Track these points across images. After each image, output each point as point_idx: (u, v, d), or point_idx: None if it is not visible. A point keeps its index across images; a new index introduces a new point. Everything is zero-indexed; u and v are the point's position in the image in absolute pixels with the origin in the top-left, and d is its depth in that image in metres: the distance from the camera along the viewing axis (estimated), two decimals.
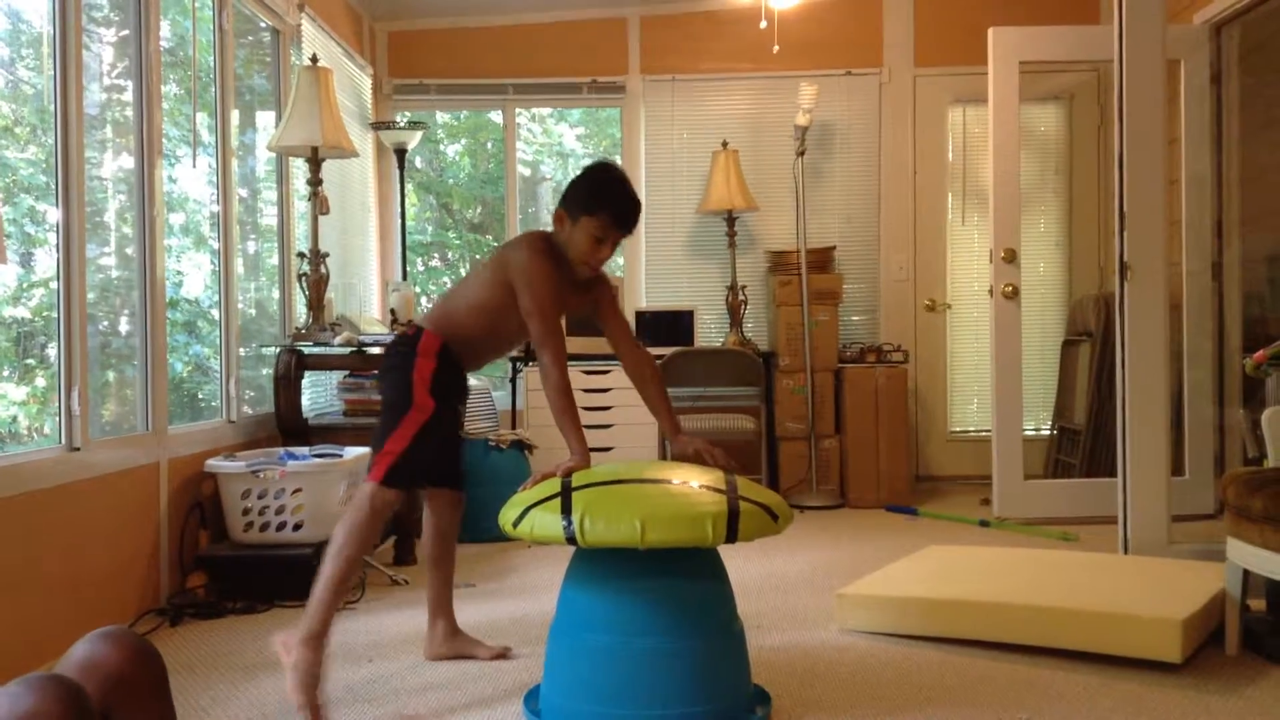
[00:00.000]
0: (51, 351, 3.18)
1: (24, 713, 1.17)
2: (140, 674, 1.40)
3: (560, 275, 2.69)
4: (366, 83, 6.05)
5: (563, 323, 2.74)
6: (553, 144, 7.40)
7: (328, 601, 2.54)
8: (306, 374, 4.42)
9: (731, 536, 2.27)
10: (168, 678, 1.46)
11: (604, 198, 2.66)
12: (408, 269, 6.13)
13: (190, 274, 4.27)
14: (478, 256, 7.48)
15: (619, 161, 6.40)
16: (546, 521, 2.30)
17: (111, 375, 3.57)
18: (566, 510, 2.28)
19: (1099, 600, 2.95)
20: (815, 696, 2.64)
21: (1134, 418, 3.80)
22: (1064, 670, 2.80)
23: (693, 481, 2.39)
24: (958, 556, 3.68)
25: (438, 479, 2.93)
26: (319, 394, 5.04)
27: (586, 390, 5.32)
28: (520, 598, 3.69)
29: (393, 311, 4.92)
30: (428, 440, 2.67)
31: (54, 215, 3.11)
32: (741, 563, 3.97)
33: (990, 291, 5.14)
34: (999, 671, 2.81)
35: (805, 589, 3.74)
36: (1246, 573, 2.88)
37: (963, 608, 3.05)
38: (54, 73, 3.09)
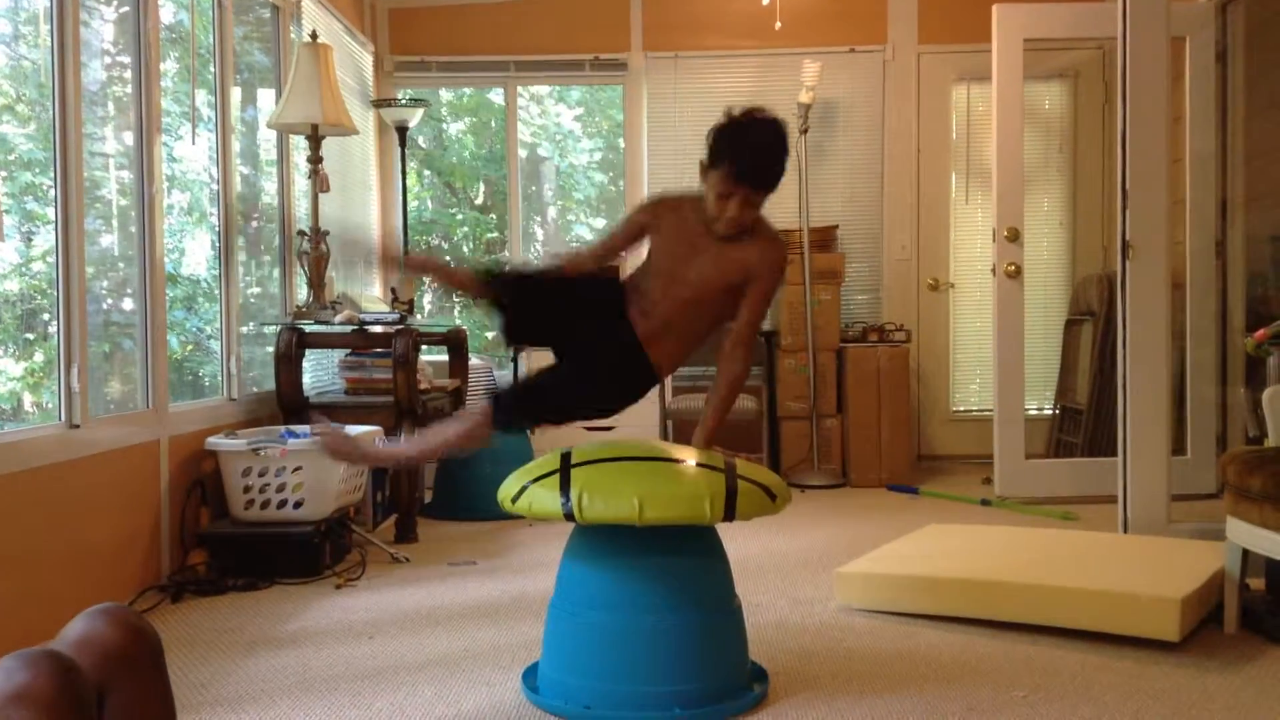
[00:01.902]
0: (52, 328, 3.18)
1: (16, 688, 1.17)
2: (137, 651, 1.40)
3: (686, 219, 2.48)
4: (367, 60, 6.02)
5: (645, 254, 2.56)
6: (550, 126, 7.38)
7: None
8: (307, 352, 4.42)
9: (729, 515, 2.28)
10: (164, 655, 1.46)
11: (728, 145, 2.40)
12: (409, 247, 6.11)
13: (191, 252, 4.27)
14: (490, 235, 7.46)
15: (621, 143, 6.39)
16: (545, 498, 2.31)
17: (111, 351, 3.57)
18: (565, 487, 2.29)
19: (1098, 579, 2.96)
20: (813, 673, 2.64)
21: (1135, 397, 3.80)
22: (1062, 649, 2.81)
23: (691, 460, 2.39)
24: (958, 535, 3.68)
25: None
26: (320, 372, 5.04)
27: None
28: (521, 575, 3.70)
29: (393, 290, 4.91)
30: None
31: (53, 192, 3.11)
32: (741, 541, 3.98)
33: (993, 270, 5.13)
34: (998, 649, 2.82)
35: (805, 567, 3.74)
36: (1246, 552, 2.89)
37: (962, 586, 3.06)
38: (52, 48, 3.08)
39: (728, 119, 2.44)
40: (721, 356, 2.55)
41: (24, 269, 3.27)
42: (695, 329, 2.52)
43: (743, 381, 2.57)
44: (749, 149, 2.39)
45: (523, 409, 2.54)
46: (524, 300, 2.54)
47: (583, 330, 2.51)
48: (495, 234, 7.43)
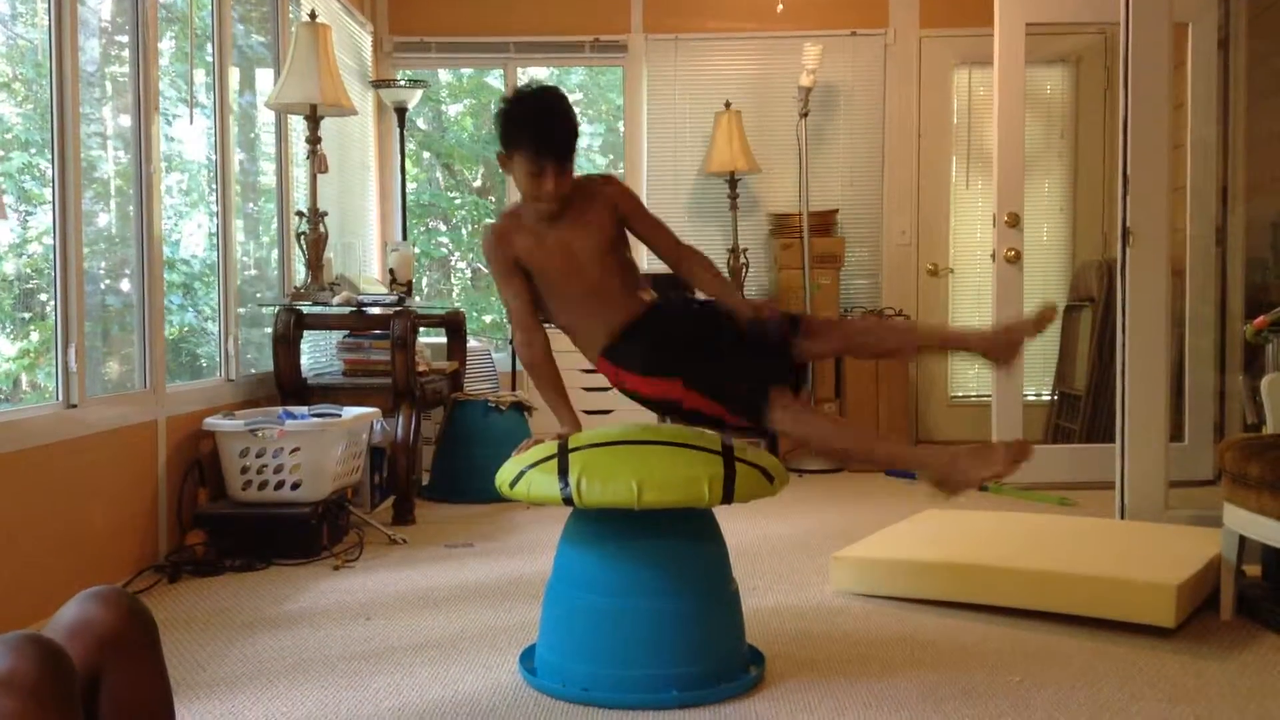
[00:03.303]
0: (49, 309, 3.17)
1: (0, 672, 1.16)
2: (131, 634, 1.39)
3: (527, 230, 2.51)
4: (366, 40, 6.00)
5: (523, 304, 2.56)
6: None
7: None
8: (305, 334, 4.41)
9: (728, 498, 2.28)
10: (159, 637, 1.46)
11: (515, 127, 2.44)
12: (408, 229, 6.10)
13: (188, 234, 4.26)
14: (488, 220, 7.45)
15: (621, 126, 6.36)
16: (543, 482, 2.31)
17: (108, 331, 3.57)
18: (564, 471, 2.29)
19: (1094, 565, 2.96)
20: (809, 657, 2.65)
21: (1133, 383, 3.80)
22: (1058, 634, 2.82)
23: (689, 444, 2.39)
24: (954, 520, 3.68)
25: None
26: (318, 354, 5.04)
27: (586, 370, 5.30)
28: (518, 558, 3.70)
29: (392, 272, 4.90)
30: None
31: (50, 172, 3.09)
32: (738, 525, 3.98)
33: (993, 256, 5.12)
34: (993, 635, 2.82)
35: (801, 552, 3.75)
36: (1242, 538, 2.89)
37: (959, 571, 3.06)
38: (49, 27, 3.06)
39: (506, 103, 2.49)
40: (676, 259, 2.62)
41: (20, 249, 3.26)
42: (621, 282, 2.56)
43: (711, 262, 2.65)
44: (534, 121, 2.43)
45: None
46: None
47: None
48: (493, 219, 7.41)
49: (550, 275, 2.53)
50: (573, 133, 2.45)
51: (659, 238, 2.62)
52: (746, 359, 2.45)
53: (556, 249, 2.51)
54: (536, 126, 2.42)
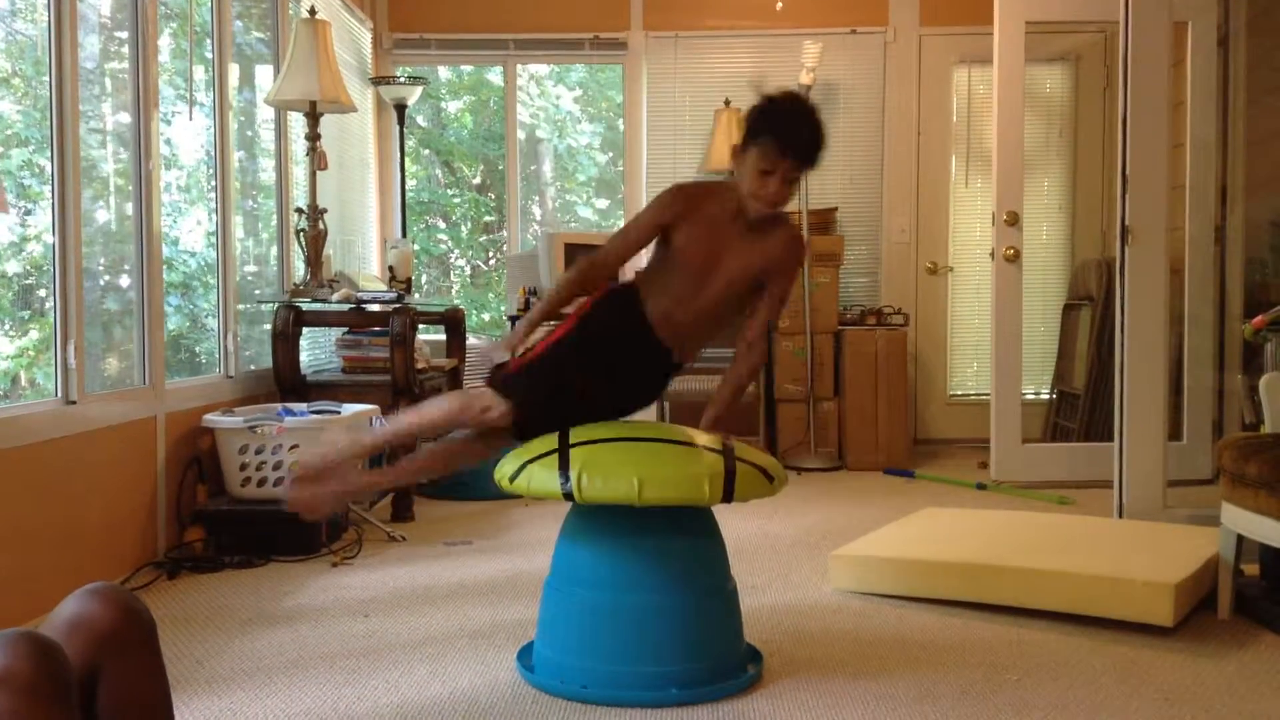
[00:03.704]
0: (48, 306, 3.17)
1: None
2: (129, 631, 1.39)
3: (713, 212, 2.44)
4: (366, 37, 5.99)
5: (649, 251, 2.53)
6: (550, 108, 7.35)
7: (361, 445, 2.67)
8: (305, 330, 4.41)
9: (728, 497, 2.28)
10: (157, 633, 1.46)
11: (769, 121, 2.38)
12: (407, 227, 6.10)
13: (188, 231, 4.25)
14: (488, 218, 7.44)
15: (621, 123, 6.36)
16: (544, 477, 2.31)
17: (108, 327, 3.56)
18: (564, 467, 2.29)
19: (1092, 564, 2.96)
20: (807, 655, 2.65)
21: (1132, 382, 3.80)
22: (1056, 633, 2.82)
23: (690, 442, 2.39)
24: (953, 519, 3.69)
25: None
26: (317, 351, 5.04)
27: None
28: (517, 554, 3.70)
29: (391, 269, 4.90)
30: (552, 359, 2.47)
31: (50, 168, 3.09)
32: (738, 523, 3.98)
33: (992, 254, 5.12)
34: (991, 633, 2.83)
35: (800, 550, 3.75)
36: (1240, 537, 2.89)
37: (957, 570, 3.06)
38: (49, 23, 3.06)
39: (767, 99, 2.42)
40: (743, 344, 2.56)
41: (20, 247, 3.26)
42: (719, 322, 2.53)
43: (759, 371, 2.59)
44: (793, 121, 2.37)
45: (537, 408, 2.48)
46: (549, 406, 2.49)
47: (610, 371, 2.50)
48: (492, 216, 7.42)
49: (684, 258, 2.45)
50: (820, 144, 2.39)
51: (768, 311, 2.53)
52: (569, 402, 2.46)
53: (711, 246, 2.44)
54: (792, 123, 2.37)
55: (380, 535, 3.93)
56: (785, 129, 2.36)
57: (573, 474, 2.27)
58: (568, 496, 2.28)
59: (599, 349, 2.49)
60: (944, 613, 3.00)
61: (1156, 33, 3.80)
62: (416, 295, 5.36)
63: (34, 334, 3.28)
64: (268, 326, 4.37)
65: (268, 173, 4.77)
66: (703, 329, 2.52)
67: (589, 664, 2.36)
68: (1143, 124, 3.80)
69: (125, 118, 3.58)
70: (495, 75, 6.72)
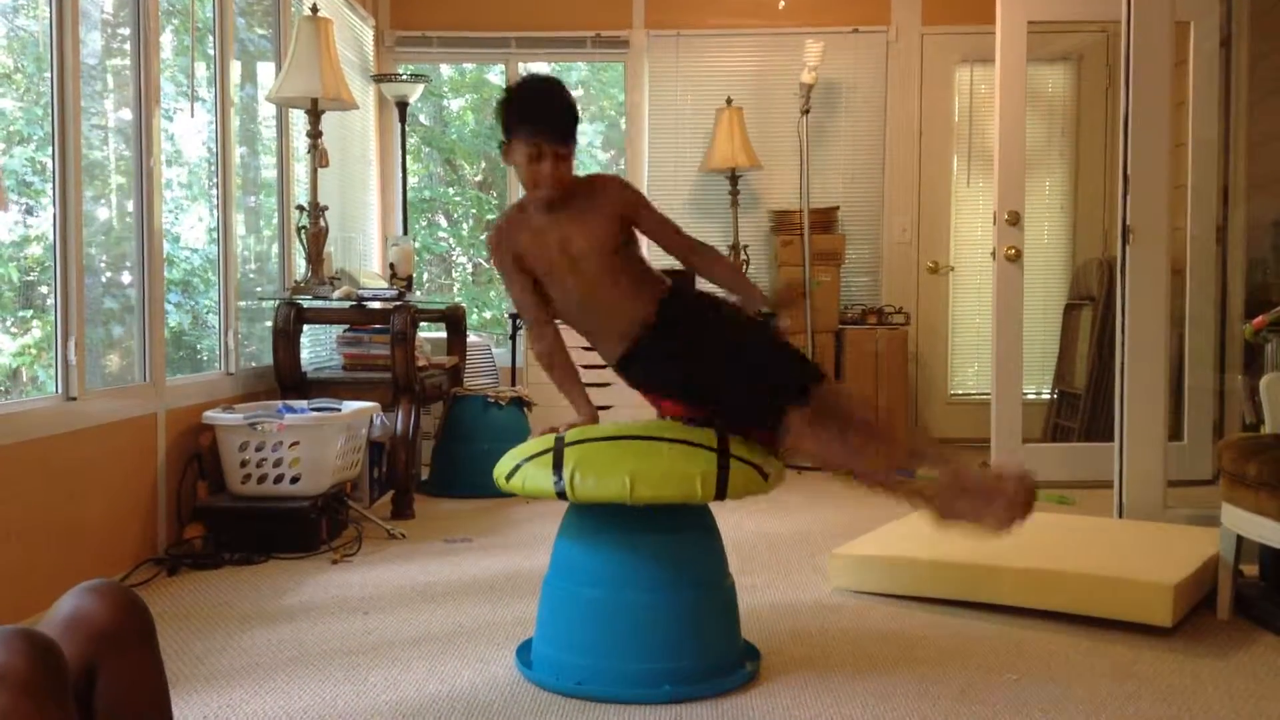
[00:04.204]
0: (49, 302, 3.17)
1: None
2: (127, 628, 1.39)
3: (529, 226, 2.49)
4: (368, 34, 5.99)
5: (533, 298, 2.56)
6: None
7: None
8: (305, 328, 4.41)
9: (720, 494, 2.28)
10: (155, 630, 1.45)
11: (511, 112, 2.44)
12: (409, 224, 6.10)
13: (189, 228, 4.26)
14: (490, 216, 7.44)
15: (622, 122, 6.36)
16: (538, 476, 2.31)
17: (109, 326, 3.57)
18: (558, 466, 2.29)
19: (1092, 564, 2.96)
20: (805, 654, 2.65)
21: (1132, 382, 3.80)
22: (1055, 632, 2.82)
23: (685, 440, 2.39)
24: None
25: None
26: (318, 348, 5.04)
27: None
28: (517, 552, 3.70)
29: (392, 266, 4.90)
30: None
31: (51, 165, 3.09)
32: (736, 521, 3.99)
33: (993, 254, 5.11)
34: (990, 633, 2.83)
35: (799, 548, 3.75)
36: (1240, 538, 2.89)
37: (955, 569, 3.06)
38: (50, 19, 3.06)
39: (504, 93, 2.49)
40: (693, 260, 2.61)
41: (21, 244, 3.26)
42: (626, 282, 2.51)
43: (726, 259, 2.72)
44: (532, 103, 2.43)
45: None
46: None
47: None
48: (494, 214, 7.41)
49: (552, 272, 2.51)
50: (570, 114, 2.43)
51: (666, 234, 2.59)
52: (761, 376, 2.39)
53: (556, 245, 2.48)
54: (534, 107, 2.42)
55: (380, 533, 3.93)
56: (527, 113, 2.41)
57: (566, 473, 2.27)
58: (560, 495, 2.28)
59: (663, 360, 2.51)
60: (943, 612, 3.00)
61: (1158, 32, 3.80)
62: (417, 293, 5.36)
63: (36, 332, 3.28)
64: (268, 324, 4.38)
65: (269, 170, 4.77)
66: (626, 298, 2.50)
67: (587, 661, 2.36)
68: (1144, 124, 3.80)
69: (127, 114, 3.58)
70: (497, 74, 6.71)
